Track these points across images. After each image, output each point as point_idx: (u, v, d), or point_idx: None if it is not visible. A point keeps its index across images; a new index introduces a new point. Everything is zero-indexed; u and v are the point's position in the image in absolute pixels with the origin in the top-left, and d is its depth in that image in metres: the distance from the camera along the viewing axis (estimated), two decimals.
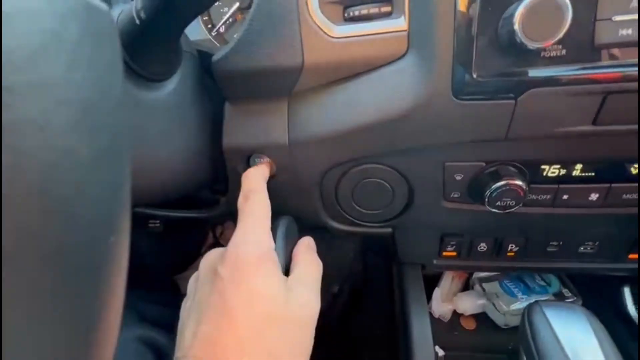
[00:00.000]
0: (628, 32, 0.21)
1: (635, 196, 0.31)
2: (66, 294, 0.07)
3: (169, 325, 0.41)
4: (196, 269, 0.93)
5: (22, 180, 0.06)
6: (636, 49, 0.22)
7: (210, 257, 0.26)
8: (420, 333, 0.40)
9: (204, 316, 0.21)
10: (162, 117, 0.28)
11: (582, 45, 0.22)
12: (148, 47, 0.24)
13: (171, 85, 0.28)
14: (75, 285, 0.07)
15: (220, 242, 0.93)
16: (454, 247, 0.41)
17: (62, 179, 0.06)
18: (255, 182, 0.29)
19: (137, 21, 0.22)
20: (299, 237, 0.32)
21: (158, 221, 0.82)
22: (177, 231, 0.93)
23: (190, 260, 0.92)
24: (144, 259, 0.83)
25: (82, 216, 0.07)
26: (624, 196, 0.30)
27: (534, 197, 0.32)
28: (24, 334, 0.07)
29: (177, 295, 0.66)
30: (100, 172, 0.07)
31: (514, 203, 0.30)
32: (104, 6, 0.09)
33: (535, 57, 0.23)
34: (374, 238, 0.90)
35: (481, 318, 0.52)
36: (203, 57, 0.33)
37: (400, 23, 0.26)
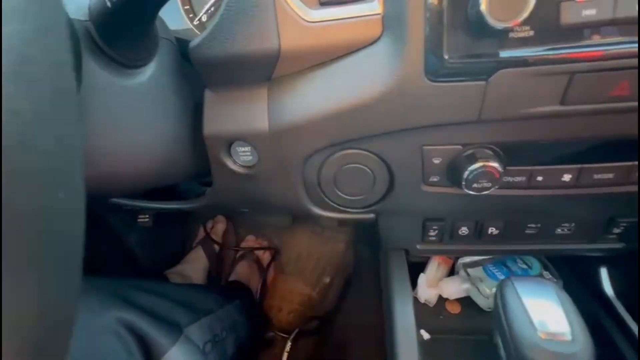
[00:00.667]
0: (592, 12, 0.22)
1: (607, 176, 0.32)
2: (16, 244, 0.07)
3: (153, 311, 0.42)
4: (187, 263, 0.93)
5: None
6: (599, 28, 0.22)
7: None
8: (403, 316, 0.41)
9: None
10: (141, 103, 0.28)
11: (549, 26, 0.23)
12: (121, 32, 0.24)
13: (149, 71, 0.28)
14: (24, 237, 0.08)
15: (211, 236, 0.94)
16: (436, 231, 0.42)
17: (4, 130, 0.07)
18: None
19: (108, 4, 0.22)
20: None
21: (147, 216, 0.82)
22: (167, 226, 0.93)
23: (180, 255, 0.92)
24: (134, 253, 0.83)
25: (25, 168, 0.07)
26: (595, 176, 0.31)
27: (509, 179, 0.33)
28: None
29: (163, 284, 0.67)
30: (45, 126, 0.08)
31: (489, 185, 0.31)
32: None
33: (504, 39, 0.24)
34: (364, 229, 0.91)
35: (465, 302, 0.54)
36: (182, 45, 0.33)
37: (374, 7, 0.26)
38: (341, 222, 0.92)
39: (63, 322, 0.10)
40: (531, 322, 0.22)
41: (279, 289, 0.94)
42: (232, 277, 0.86)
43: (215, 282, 0.89)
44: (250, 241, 0.96)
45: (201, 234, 0.95)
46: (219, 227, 0.96)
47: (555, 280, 0.52)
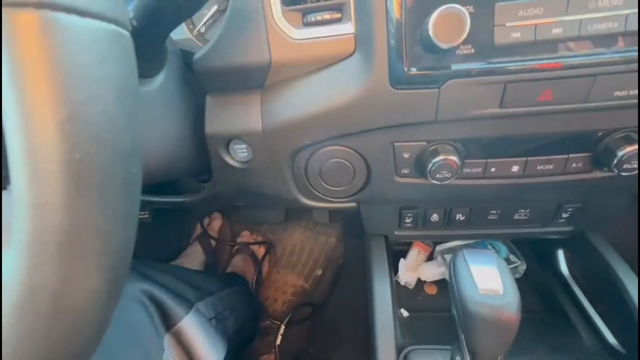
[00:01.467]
0: (518, 35, 0.28)
1: (548, 167, 0.37)
2: (113, 196, 0.13)
3: (167, 286, 0.47)
4: (185, 257, 0.98)
5: (89, 127, 0.11)
6: (525, 47, 0.28)
7: None
8: (382, 295, 0.46)
9: None
10: (152, 108, 0.33)
11: (486, 45, 0.28)
12: (139, 49, 0.29)
13: (159, 80, 0.33)
14: (118, 193, 0.13)
15: (208, 232, 0.98)
16: (410, 218, 0.48)
17: (109, 129, 0.12)
18: None
19: (134, 22, 0.27)
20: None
21: (147, 212, 0.87)
22: (165, 222, 0.97)
23: (178, 250, 0.96)
24: (135, 248, 0.87)
25: (118, 152, 0.13)
26: (538, 167, 0.37)
27: (468, 170, 0.38)
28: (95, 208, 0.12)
29: (171, 267, 0.71)
30: (128, 129, 0.13)
31: (450, 175, 0.36)
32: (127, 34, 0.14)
33: (452, 55, 0.29)
34: (353, 224, 0.96)
35: (442, 284, 0.60)
36: (186, 56, 0.38)
37: (348, 28, 0.32)
38: (331, 216, 0.97)
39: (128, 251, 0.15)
40: (474, 283, 0.28)
41: (274, 281, 0.99)
42: (228, 270, 0.90)
43: (213, 273, 0.93)
44: (245, 236, 1.01)
45: (198, 230, 1.00)
46: (216, 223, 1.01)
47: (519, 262, 0.58)
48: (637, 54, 0.27)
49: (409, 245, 0.65)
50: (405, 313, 0.55)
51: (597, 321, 0.47)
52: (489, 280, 0.28)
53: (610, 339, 0.44)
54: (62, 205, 0.11)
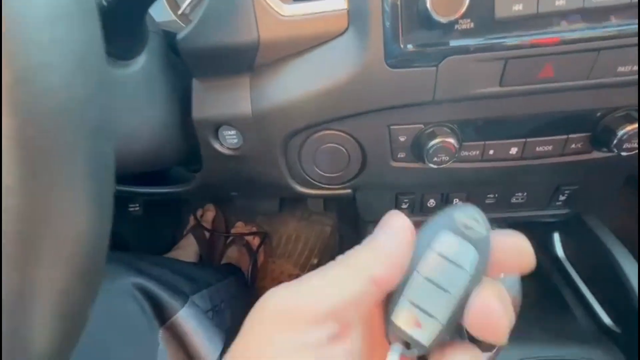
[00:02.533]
0: (519, 7, 0.26)
1: (546, 148, 0.37)
2: (80, 172, 0.11)
3: (162, 280, 0.46)
4: (179, 249, 0.97)
5: (44, 99, 0.10)
6: (526, 21, 0.27)
7: None
8: None
9: None
10: (132, 91, 0.31)
11: (486, 19, 0.27)
12: (114, 28, 0.27)
13: (139, 62, 0.31)
14: (86, 168, 0.12)
15: (201, 224, 0.97)
16: (407, 204, 0.47)
17: (70, 102, 0.10)
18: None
19: (105, 3, 0.25)
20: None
21: (138, 205, 0.84)
22: (157, 214, 0.96)
23: (171, 242, 0.95)
24: (126, 242, 0.85)
25: (83, 129, 0.11)
26: (537, 149, 0.36)
27: (466, 153, 0.37)
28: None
29: (165, 259, 0.70)
30: (94, 103, 0.11)
31: (447, 158, 0.35)
32: None
33: (450, 31, 0.28)
34: (348, 213, 0.95)
35: None
36: (169, 37, 0.36)
37: (340, 3, 0.30)
38: (326, 205, 0.96)
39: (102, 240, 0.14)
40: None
41: (269, 271, 0.98)
42: (223, 261, 0.90)
43: (208, 264, 0.92)
44: (239, 227, 1.00)
45: (191, 222, 0.98)
46: (209, 214, 0.99)
47: None
48: (637, 26, 0.26)
49: None
50: None
51: (592, 302, 0.47)
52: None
53: (606, 319, 0.45)
54: (18, 188, 0.09)
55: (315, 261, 1.01)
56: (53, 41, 0.10)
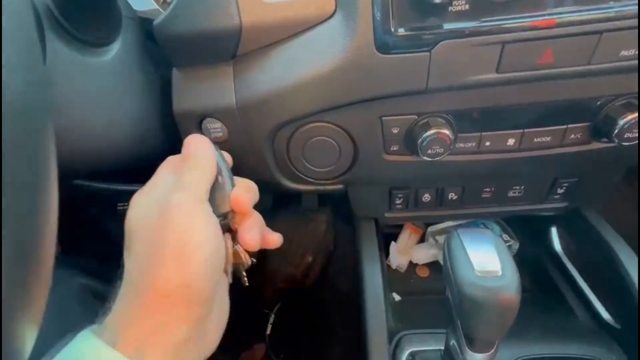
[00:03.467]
0: None
1: (545, 139, 0.35)
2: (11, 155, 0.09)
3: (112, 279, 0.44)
4: None
5: None
6: (525, 2, 0.25)
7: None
8: (372, 279, 0.44)
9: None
10: (107, 81, 0.29)
11: (482, 1, 0.25)
12: (81, 9, 0.25)
13: (114, 49, 0.29)
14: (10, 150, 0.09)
15: None
16: (401, 199, 0.45)
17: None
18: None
19: None
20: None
21: (126, 203, 0.82)
22: None
23: None
24: (116, 242, 0.83)
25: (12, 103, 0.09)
26: (535, 139, 0.35)
27: (461, 145, 0.36)
28: None
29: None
30: (15, 73, 0.10)
31: (442, 150, 0.34)
32: None
33: (444, 13, 0.26)
34: (343, 210, 0.94)
35: (434, 266, 0.58)
36: (147, 24, 0.34)
37: None
38: (320, 201, 0.95)
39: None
40: (470, 264, 0.25)
41: (264, 269, 0.96)
42: None
43: None
44: None
45: None
46: None
47: (512, 241, 0.56)
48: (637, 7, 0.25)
49: (399, 228, 0.63)
50: (397, 297, 0.53)
51: (591, 298, 0.46)
52: (486, 261, 0.25)
53: (605, 314, 0.44)
54: None
55: (310, 259, 0.99)
56: None
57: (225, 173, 0.28)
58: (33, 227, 0.11)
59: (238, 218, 0.27)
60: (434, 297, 0.52)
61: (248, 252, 0.28)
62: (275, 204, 1.03)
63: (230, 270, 0.28)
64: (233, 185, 0.28)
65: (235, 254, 0.27)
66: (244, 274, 0.29)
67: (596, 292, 0.46)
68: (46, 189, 0.12)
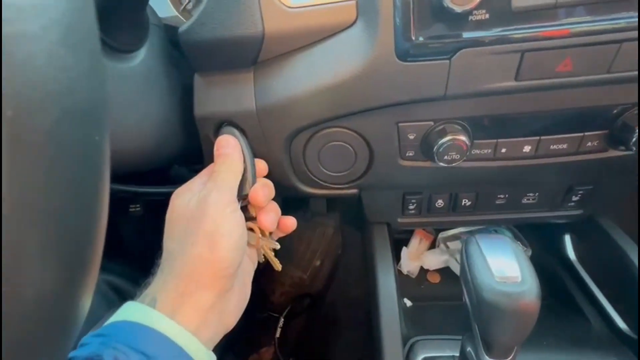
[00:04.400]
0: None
1: (561, 146, 0.35)
2: (62, 168, 0.10)
3: (134, 277, 0.44)
4: None
5: (25, 74, 0.09)
6: (544, 11, 0.26)
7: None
8: (386, 284, 0.44)
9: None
10: (132, 85, 0.30)
11: (502, 10, 0.26)
12: (115, 18, 0.26)
13: (140, 56, 0.30)
14: (70, 166, 0.10)
15: None
16: (414, 204, 0.46)
17: (55, 78, 0.09)
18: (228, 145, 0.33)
19: None
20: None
21: (138, 205, 0.83)
22: (158, 215, 0.94)
23: None
24: (127, 243, 0.84)
25: (71, 110, 0.10)
26: (552, 147, 0.35)
27: (477, 151, 0.36)
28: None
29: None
30: (84, 81, 0.10)
31: (458, 157, 0.34)
32: None
33: (464, 22, 0.26)
34: (351, 213, 0.94)
35: (445, 273, 0.58)
36: (171, 32, 0.35)
37: None
38: (329, 206, 0.95)
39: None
40: (489, 269, 0.26)
41: (272, 272, 0.97)
42: None
43: None
44: None
45: None
46: None
47: (525, 248, 0.56)
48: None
49: (409, 233, 0.63)
50: (408, 302, 0.53)
51: (606, 306, 0.46)
52: (505, 267, 0.26)
53: (621, 324, 0.43)
54: None
55: (317, 263, 0.99)
56: (34, 7, 0.09)
57: (249, 162, 0.32)
58: (98, 215, 0.12)
59: (257, 209, 0.33)
60: (445, 304, 0.52)
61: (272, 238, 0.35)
62: (283, 209, 1.03)
63: (261, 252, 0.35)
64: (254, 172, 0.33)
65: (260, 237, 0.33)
66: (276, 260, 0.35)
67: (611, 301, 0.45)
68: (105, 186, 0.12)
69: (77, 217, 0.11)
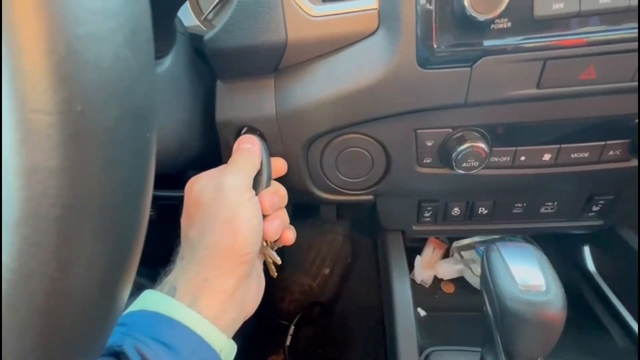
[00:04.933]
0: (560, 6, 0.25)
1: (582, 155, 0.35)
2: (119, 162, 0.10)
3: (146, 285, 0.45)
4: None
5: (94, 72, 0.09)
6: (567, 20, 0.26)
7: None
8: (402, 293, 0.44)
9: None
10: (160, 91, 0.31)
11: (524, 18, 0.26)
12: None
13: (167, 62, 0.31)
14: (125, 160, 0.11)
15: None
16: (430, 212, 0.45)
17: (119, 77, 0.10)
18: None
19: None
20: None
21: (152, 209, 0.84)
22: (172, 219, 0.95)
23: None
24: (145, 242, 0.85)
25: (130, 108, 0.10)
26: (572, 155, 0.35)
27: (495, 159, 0.36)
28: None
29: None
30: (142, 81, 0.11)
31: (477, 164, 0.34)
32: None
33: (486, 30, 0.27)
34: (361, 221, 0.93)
35: (459, 282, 0.57)
36: (195, 40, 0.36)
37: (371, 2, 0.29)
38: (338, 213, 0.95)
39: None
40: (512, 278, 0.25)
41: (280, 280, 0.96)
42: None
43: None
44: None
45: None
46: None
47: None
48: None
49: (422, 242, 0.62)
50: (422, 312, 0.52)
51: (627, 318, 0.44)
52: (529, 276, 0.25)
53: None
54: (60, 170, 0.09)
55: (327, 271, 0.99)
56: (105, 10, 0.09)
57: (265, 164, 0.32)
58: (143, 213, 0.13)
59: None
60: (461, 314, 0.51)
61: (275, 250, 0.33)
62: (293, 215, 1.03)
63: (261, 258, 0.33)
64: (269, 177, 0.33)
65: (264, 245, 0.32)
66: (273, 267, 0.34)
67: (632, 313, 0.44)
68: (151, 181, 0.13)
69: (126, 210, 0.12)
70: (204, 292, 0.25)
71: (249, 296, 0.29)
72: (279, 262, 0.33)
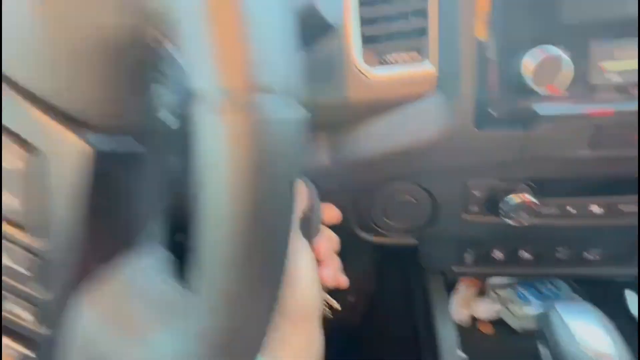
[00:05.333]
0: (617, 79, 0.27)
1: (633, 208, 0.35)
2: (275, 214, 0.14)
3: None
4: None
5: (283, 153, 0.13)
6: (627, 87, 0.27)
7: None
8: (447, 338, 0.44)
9: None
10: None
11: (579, 86, 0.27)
12: None
13: None
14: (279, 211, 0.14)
15: None
16: (472, 255, 0.46)
17: (297, 154, 0.13)
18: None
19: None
20: None
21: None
22: None
23: None
24: None
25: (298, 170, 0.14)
26: (620, 207, 0.35)
27: (543, 209, 0.36)
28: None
29: None
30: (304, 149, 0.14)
31: (527, 216, 0.34)
32: None
33: (542, 97, 0.28)
34: (389, 252, 0.93)
35: (498, 323, 0.56)
36: None
37: (428, 66, 0.31)
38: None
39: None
40: (578, 345, 0.25)
41: None
42: None
43: None
44: None
45: None
46: None
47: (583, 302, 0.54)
48: None
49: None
50: (462, 355, 0.51)
51: None
52: (597, 343, 0.25)
53: None
54: (246, 214, 0.12)
55: (352, 298, 0.98)
56: (296, 98, 0.13)
57: (316, 207, 0.30)
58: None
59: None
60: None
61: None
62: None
63: None
64: (319, 219, 0.31)
65: None
66: (329, 311, 0.32)
67: None
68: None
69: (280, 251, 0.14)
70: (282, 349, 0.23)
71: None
72: (339, 307, 0.33)
